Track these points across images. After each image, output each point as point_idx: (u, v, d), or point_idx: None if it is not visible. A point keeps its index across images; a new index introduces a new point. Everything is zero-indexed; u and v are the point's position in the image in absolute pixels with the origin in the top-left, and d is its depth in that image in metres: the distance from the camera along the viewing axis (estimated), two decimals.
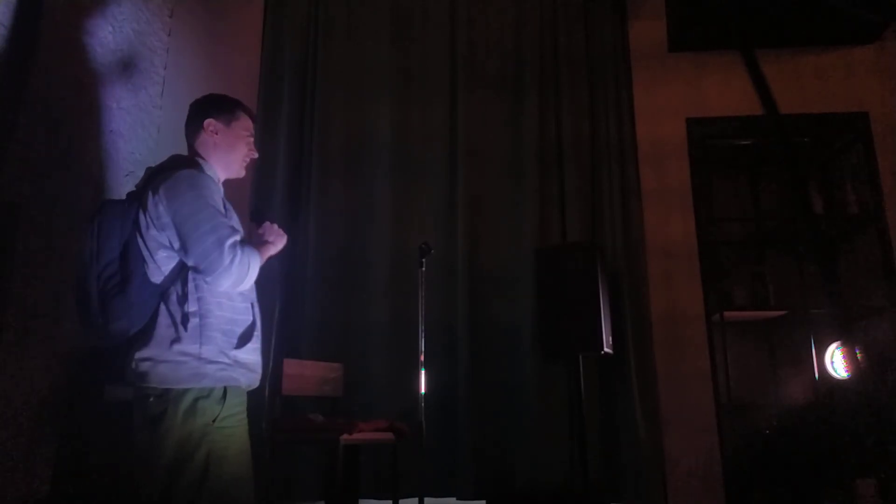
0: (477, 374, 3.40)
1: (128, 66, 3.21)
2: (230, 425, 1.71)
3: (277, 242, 1.91)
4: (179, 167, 1.81)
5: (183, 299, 1.72)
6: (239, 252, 1.72)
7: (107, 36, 3.04)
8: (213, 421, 1.67)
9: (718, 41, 3.79)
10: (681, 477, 3.34)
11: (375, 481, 3.21)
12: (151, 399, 1.67)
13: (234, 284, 1.74)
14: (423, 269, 2.66)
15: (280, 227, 1.95)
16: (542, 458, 3.28)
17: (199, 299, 1.72)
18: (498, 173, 3.71)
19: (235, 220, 1.87)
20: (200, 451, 1.64)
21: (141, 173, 1.91)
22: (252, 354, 1.82)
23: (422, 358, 2.56)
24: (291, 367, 2.95)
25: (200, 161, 1.91)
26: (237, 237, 1.76)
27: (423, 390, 2.53)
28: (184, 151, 1.95)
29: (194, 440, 1.64)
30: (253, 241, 1.88)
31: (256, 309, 1.88)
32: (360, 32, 3.92)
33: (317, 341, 3.42)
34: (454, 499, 3.26)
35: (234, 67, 3.85)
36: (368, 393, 3.34)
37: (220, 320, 1.74)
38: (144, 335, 1.71)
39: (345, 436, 2.62)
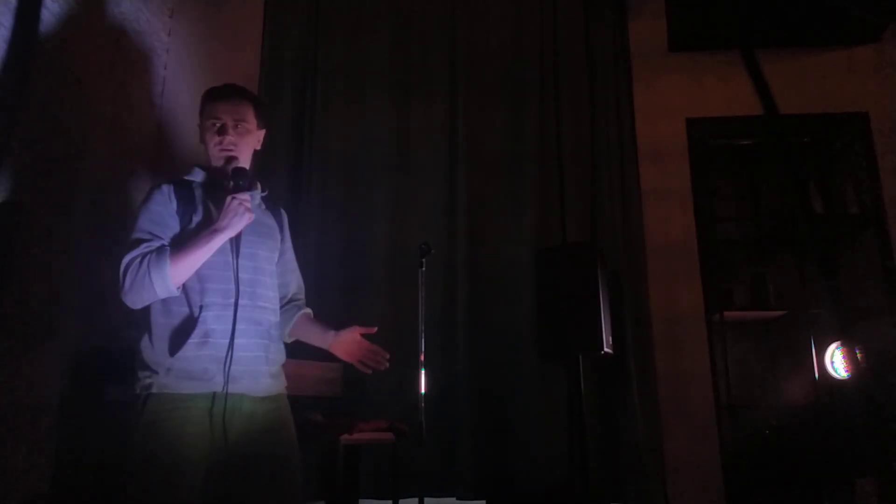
0: (477, 374, 3.40)
1: (127, 66, 3.21)
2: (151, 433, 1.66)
3: (233, 225, 1.70)
4: None
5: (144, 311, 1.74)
6: (133, 271, 1.64)
7: (107, 36, 3.03)
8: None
9: (718, 41, 3.79)
10: (681, 477, 3.34)
11: (375, 481, 3.20)
12: None
13: (135, 304, 1.68)
14: (423, 269, 2.65)
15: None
16: (542, 458, 3.28)
17: (149, 308, 1.73)
18: (498, 173, 3.71)
19: (196, 220, 1.75)
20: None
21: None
22: (195, 363, 1.67)
23: (422, 358, 2.56)
24: (290, 367, 2.92)
25: (195, 168, 1.87)
26: (137, 251, 1.65)
27: (423, 390, 2.53)
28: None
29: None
30: (214, 224, 1.72)
31: (204, 302, 1.71)
32: (360, 32, 3.92)
33: None
34: (454, 499, 3.26)
35: (234, 67, 3.84)
36: (368, 393, 3.33)
37: (160, 328, 1.71)
38: None
39: (345, 436, 2.62)
